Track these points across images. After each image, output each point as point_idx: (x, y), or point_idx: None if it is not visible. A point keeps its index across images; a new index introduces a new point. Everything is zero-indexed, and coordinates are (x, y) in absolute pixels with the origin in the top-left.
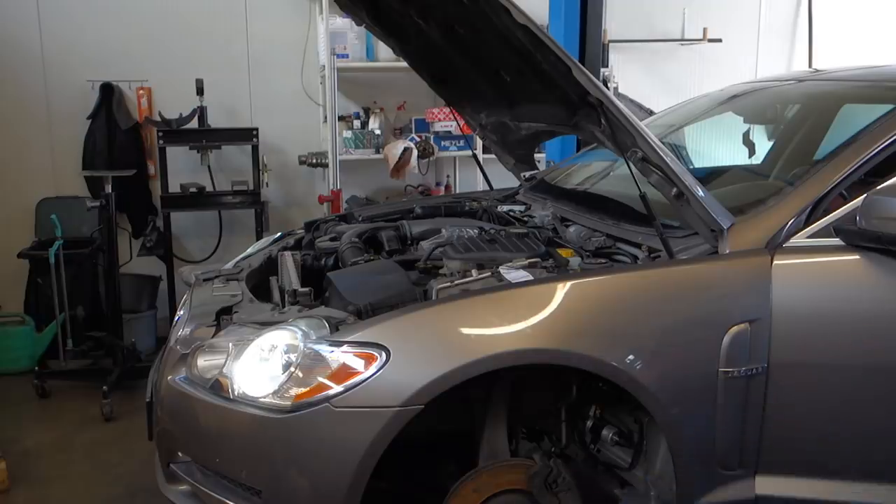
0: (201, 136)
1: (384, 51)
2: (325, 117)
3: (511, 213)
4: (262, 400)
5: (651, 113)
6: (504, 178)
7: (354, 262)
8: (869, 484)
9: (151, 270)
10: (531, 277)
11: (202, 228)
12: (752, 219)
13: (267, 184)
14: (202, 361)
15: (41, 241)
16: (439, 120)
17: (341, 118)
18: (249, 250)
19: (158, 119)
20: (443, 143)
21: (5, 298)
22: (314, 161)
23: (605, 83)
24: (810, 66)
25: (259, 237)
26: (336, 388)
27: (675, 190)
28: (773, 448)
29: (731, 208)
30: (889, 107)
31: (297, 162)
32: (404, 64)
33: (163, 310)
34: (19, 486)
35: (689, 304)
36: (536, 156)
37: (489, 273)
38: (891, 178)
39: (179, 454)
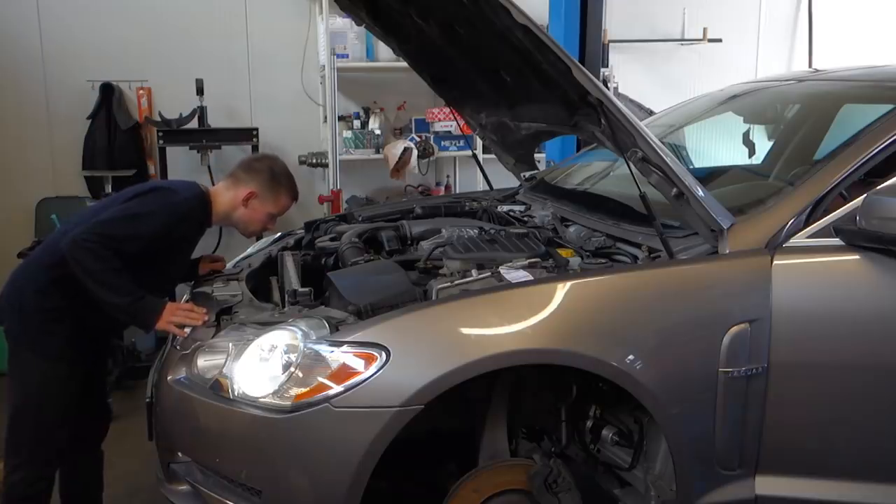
0: (201, 136)
1: (384, 51)
2: (325, 117)
3: (511, 213)
4: (262, 400)
5: (651, 113)
6: (504, 178)
7: (354, 262)
8: (869, 484)
9: None
10: (531, 277)
11: None
12: (752, 219)
13: None
14: (202, 361)
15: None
16: (439, 120)
17: (341, 118)
18: (249, 250)
19: (158, 119)
20: (443, 143)
21: None
22: (314, 161)
23: (605, 83)
24: (810, 66)
25: (259, 237)
26: (336, 388)
27: (675, 190)
28: (773, 448)
29: (731, 208)
30: (889, 107)
31: (298, 162)
32: (404, 64)
33: None
34: None
35: (689, 304)
36: (536, 156)
37: (489, 273)
38: (891, 178)
39: (179, 454)
